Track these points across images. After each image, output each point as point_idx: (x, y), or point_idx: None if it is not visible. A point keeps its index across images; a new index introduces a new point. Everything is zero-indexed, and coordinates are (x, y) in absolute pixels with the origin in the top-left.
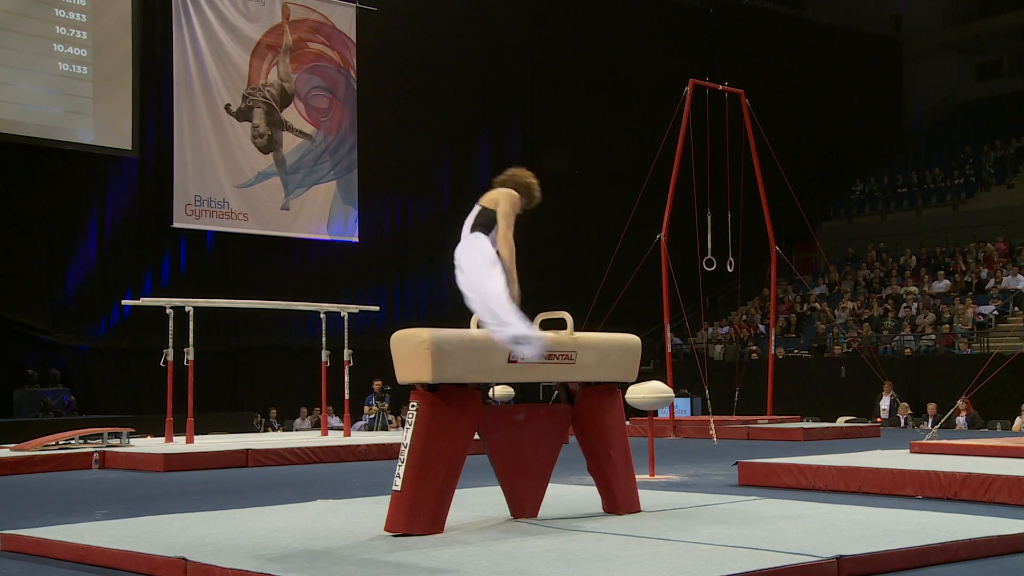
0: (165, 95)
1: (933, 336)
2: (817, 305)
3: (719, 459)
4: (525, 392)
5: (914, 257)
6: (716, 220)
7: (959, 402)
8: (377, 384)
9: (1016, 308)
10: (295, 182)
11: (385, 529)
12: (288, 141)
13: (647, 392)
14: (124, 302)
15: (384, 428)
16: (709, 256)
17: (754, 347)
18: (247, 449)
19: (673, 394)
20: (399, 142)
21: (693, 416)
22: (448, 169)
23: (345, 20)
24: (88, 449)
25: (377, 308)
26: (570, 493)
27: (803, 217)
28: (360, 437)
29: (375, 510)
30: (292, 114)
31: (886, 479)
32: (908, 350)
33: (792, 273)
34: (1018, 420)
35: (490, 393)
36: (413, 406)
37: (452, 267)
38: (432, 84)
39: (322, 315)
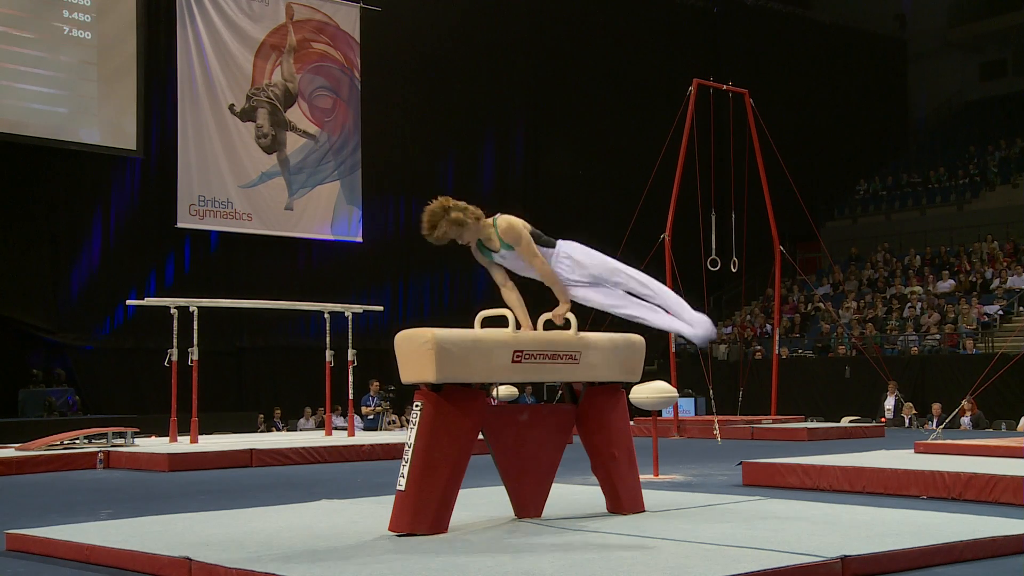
0: (169, 95)
1: (938, 336)
2: (821, 305)
3: (723, 459)
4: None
5: (918, 257)
6: (720, 220)
7: (964, 402)
8: (375, 385)
9: (1021, 308)
10: (299, 182)
11: (389, 529)
12: (292, 141)
13: (651, 392)
14: (129, 302)
15: (385, 428)
16: (714, 256)
17: (758, 347)
18: (251, 449)
19: (677, 394)
20: (403, 142)
21: (697, 416)
22: (452, 169)
23: (349, 20)
24: (92, 449)
25: (381, 308)
26: (574, 493)
27: (807, 217)
28: (364, 437)
29: (379, 510)
30: (296, 114)
31: (890, 479)
32: (914, 349)
33: (796, 273)
34: (1023, 420)
35: (493, 393)
36: (417, 406)
37: (455, 268)
38: (436, 84)
39: (326, 315)
